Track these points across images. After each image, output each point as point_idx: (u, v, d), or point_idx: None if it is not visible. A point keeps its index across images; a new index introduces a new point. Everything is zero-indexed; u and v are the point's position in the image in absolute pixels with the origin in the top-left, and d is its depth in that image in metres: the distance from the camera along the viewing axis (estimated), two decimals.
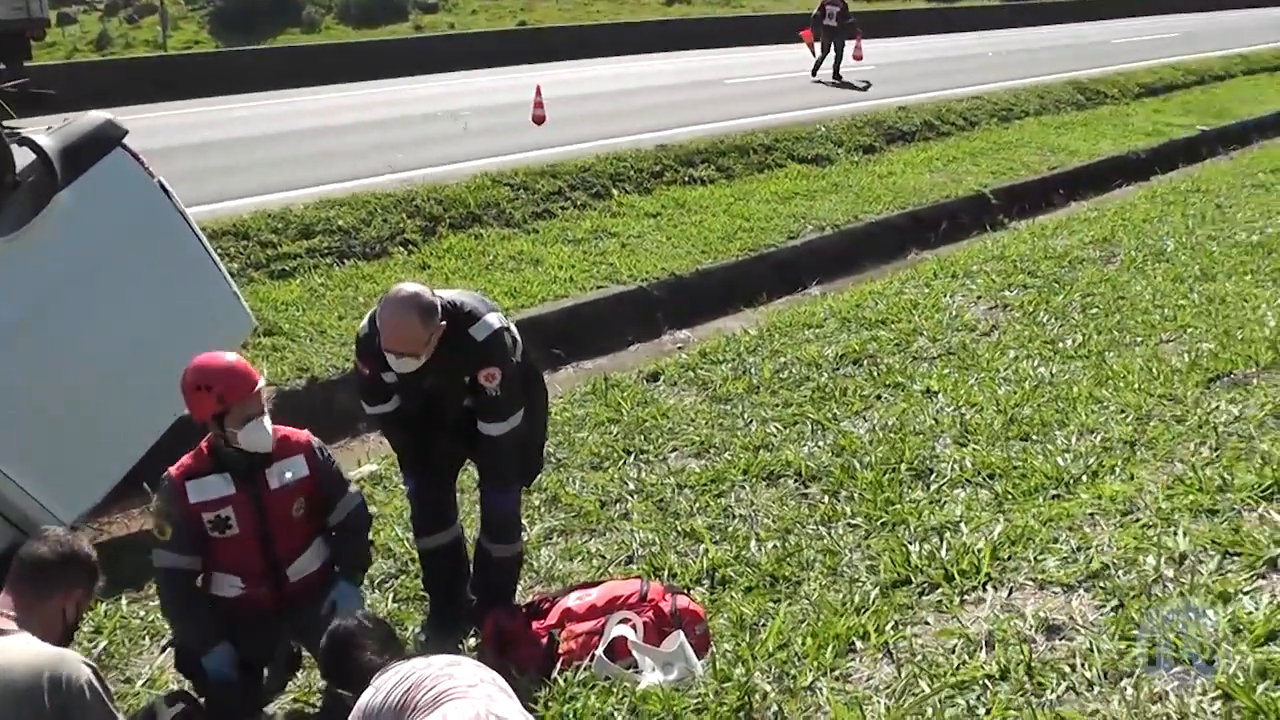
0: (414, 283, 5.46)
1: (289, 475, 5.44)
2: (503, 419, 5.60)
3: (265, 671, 5.59)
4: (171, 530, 5.28)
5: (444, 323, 5.34)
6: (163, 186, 7.74)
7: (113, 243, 7.50)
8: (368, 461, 8.53)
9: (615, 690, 5.02)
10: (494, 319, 5.52)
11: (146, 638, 6.39)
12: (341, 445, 9.29)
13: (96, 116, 7.63)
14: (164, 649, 6.16)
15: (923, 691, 4.63)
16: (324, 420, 9.17)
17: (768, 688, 4.90)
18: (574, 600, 5.59)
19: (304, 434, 5.62)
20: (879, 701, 4.65)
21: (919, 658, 4.90)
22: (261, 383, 5.39)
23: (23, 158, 7.64)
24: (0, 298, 7.09)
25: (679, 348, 11.35)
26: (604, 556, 6.60)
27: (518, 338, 5.69)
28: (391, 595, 6.45)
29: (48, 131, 7.59)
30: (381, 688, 4.07)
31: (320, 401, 9.60)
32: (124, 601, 6.72)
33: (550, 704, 4.97)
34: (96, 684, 3.69)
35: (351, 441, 9.37)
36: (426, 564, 6.18)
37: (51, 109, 8.05)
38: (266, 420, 5.34)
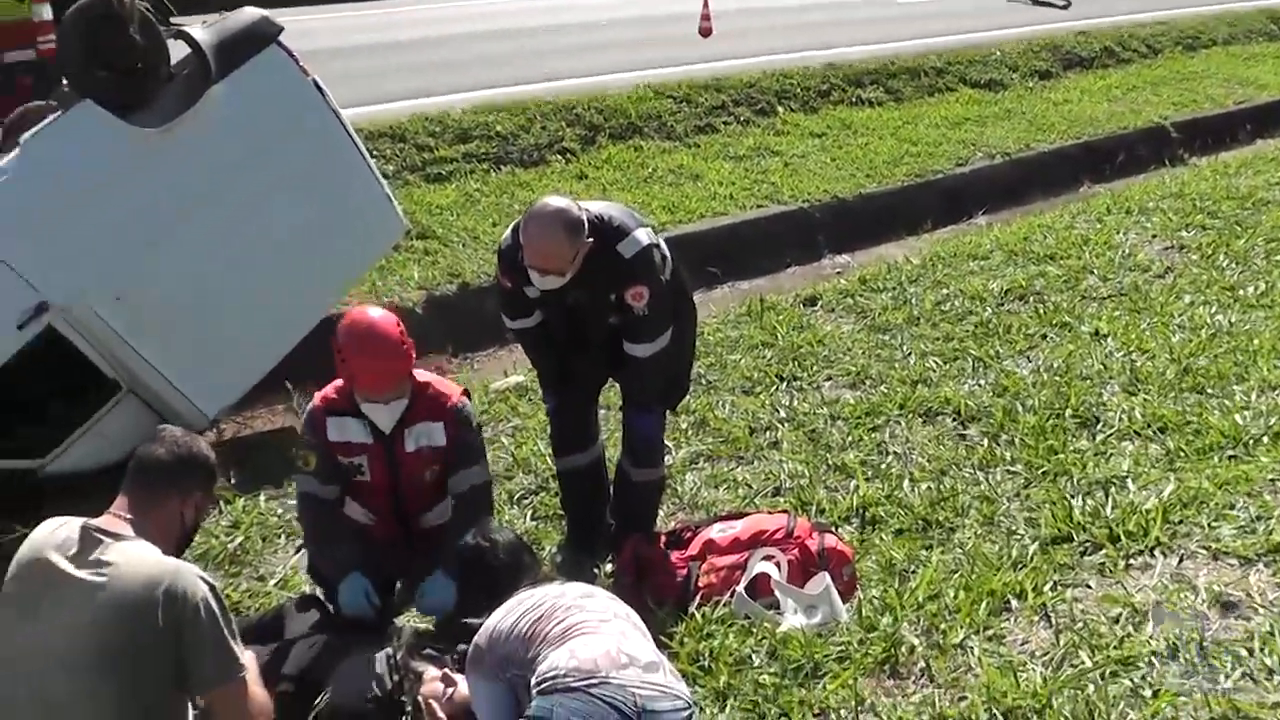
0: (560, 196, 5.23)
1: (424, 442, 5.15)
2: (650, 340, 5.35)
3: (397, 586, 5.47)
4: (316, 460, 5.14)
5: (590, 239, 5.09)
6: (317, 85, 7.62)
7: (265, 139, 7.41)
8: (514, 372, 8.39)
9: (755, 630, 4.82)
10: (643, 235, 5.24)
11: (282, 536, 6.35)
12: (489, 354, 9.25)
13: (252, 13, 7.51)
14: (298, 549, 6.11)
15: (1083, 663, 4.35)
16: (472, 327, 9.16)
17: (915, 641, 4.66)
18: (717, 532, 5.40)
19: (454, 397, 5.23)
20: (1034, 669, 4.38)
21: (1079, 625, 4.62)
22: (404, 370, 5.05)
23: (178, 52, 7.54)
24: (151, 190, 7.05)
25: (838, 273, 11.03)
26: (750, 486, 6.39)
27: (668, 254, 5.41)
28: (530, 512, 6.32)
29: (203, 26, 7.50)
30: (512, 612, 3.93)
31: (470, 308, 9.52)
32: (262, 498, 6.71)
33: (685, 640, 4.80)
34: (213, 601, 3.56)
35: (499, 350, 9.28)
36: (565, 484, 6.01)
37: (211, 8, 8.02)
38: (394, 408, 5.06)
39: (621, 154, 13.05)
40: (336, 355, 5.01)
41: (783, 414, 7.22)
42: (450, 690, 4.20)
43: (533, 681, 3.64)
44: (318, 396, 5.20)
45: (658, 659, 3.73)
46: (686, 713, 3.63)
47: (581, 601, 3.88)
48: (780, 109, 14.86)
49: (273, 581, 5.89)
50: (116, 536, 3.58)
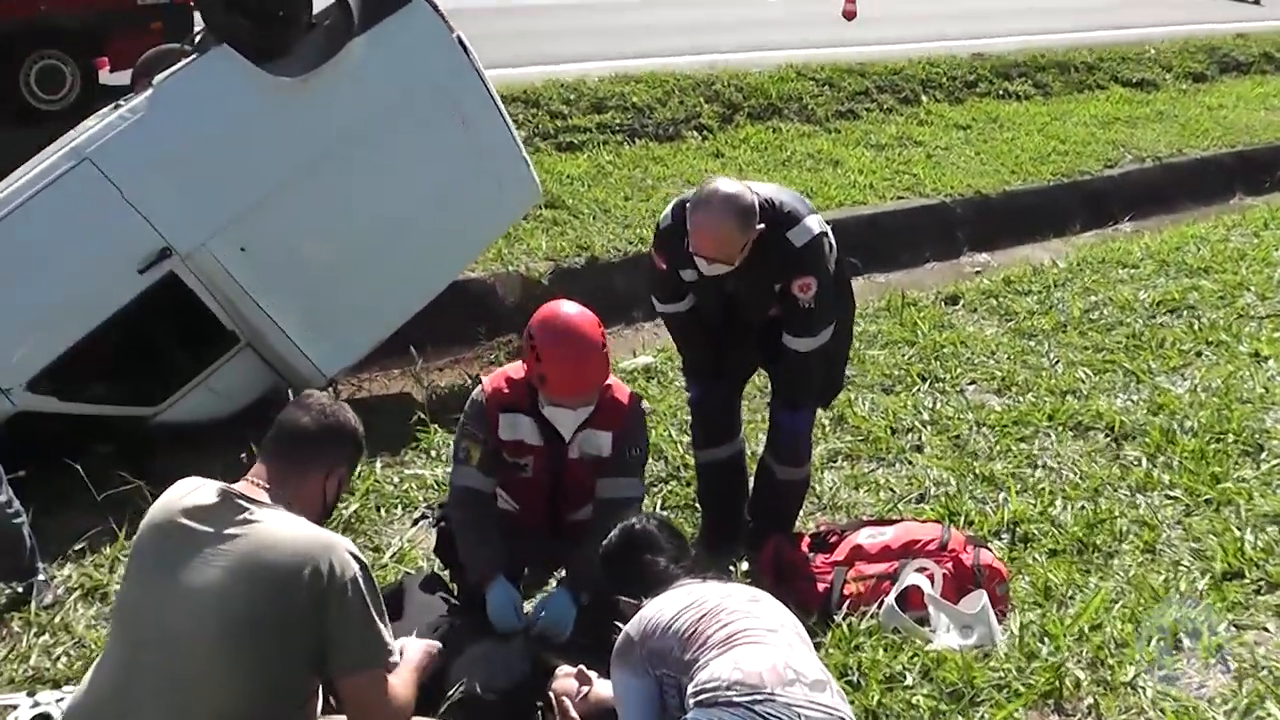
0: (731, 180, 4.94)
1: (589, 450, 4.83)
2: (812, 334, 5.10)
3: (525, 571, 5.28)
4: (480, 454, 4.84)
5: (761, 225, 4.85)
6: (461, 43, 7.52)
7: (405, 94, 7.32)
8: (643, 353, 8.26)
9: (906, 646, 4.61)
10: (814, 223, 4.98)
11: (399, 507, 6.23)
12: (615, 332, 9.07)
13: None
14: (415, 522, 5.97)
15: (1271, 716, 4.08)
16: (600, 304, 8.76)
17: (1080, 674, 4.42)
18: (865, 537, 5.17)
19: (626, 406, 4.89)
20: (1215, 718, 4.12)
21: (1263, 671, 4.35)
22: (603, 377, 4.77)
23: (321, 1, 7.50)
24: (284, 141, 7.00)
25: (977, 272, 10.79)
26: (893, 490, 6.18)
27: (834, 244, 5.14)
28: (660, 502, 6.13)
29: None
30: (669, 606, 3.73)
31: (598, 282, 9.38)
32: (378, 465, 6.58)
33: (832, 650, 4.59)
34: (363, 581, 3.35)
35: (625, 330, 9.20)
36: (703, 477, 5.80)
37: None
38: (580, 414, 4.72)
39: (760, 135, 12.92)
40: (529, 352, 4.70)
41: (925, 416, 7.00)
42: (585, 689, 4.03)
43: (690, 689, 3.45)
44: (487, 386, 4.89)
45: (824, 677, 3.51)
46: None
47: (748, 606, 3.67)
48: (925, 98, 14.68)
49: (389, 554, 5.75)
50: (258, 504, 3.40)
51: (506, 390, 4.84)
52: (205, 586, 3.26)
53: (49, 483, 5.99)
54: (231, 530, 3.33)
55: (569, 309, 4.78)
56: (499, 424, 4.82)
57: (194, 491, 3.47)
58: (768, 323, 5.20)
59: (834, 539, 5.25)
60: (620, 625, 4.14)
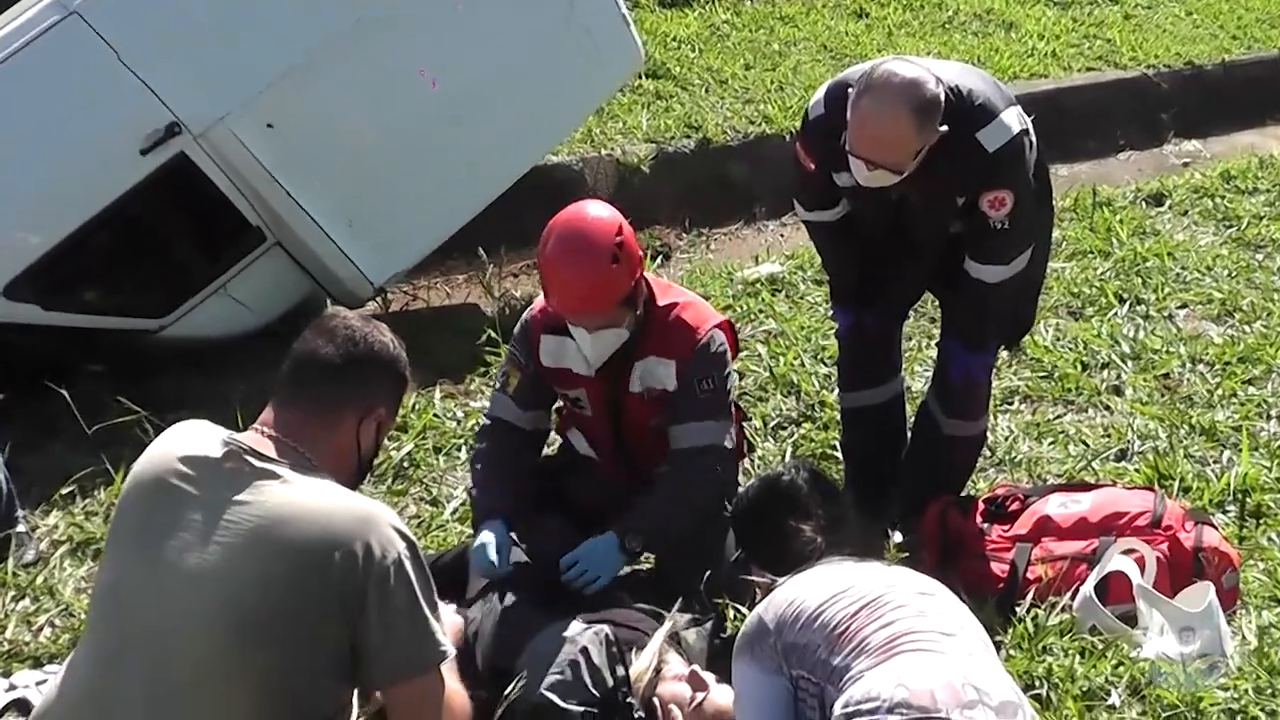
0: (910, 61, 4.56)
1: (651, 385, 4.72)
2: (1005, 260, 4.81)
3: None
4: (519, 381, 4.83)
5: (943, 127, 4.48)
6: None
7: None
8: (766, 258, 8.06)
9: (1110, 651, 4.36)
10: (1012, 118, 4.61)
11: (462, 448, 6.07)
12: (732, 231, 9.09)
13: None
14: None
15: None
16: (713, 195, 9.05)
17: None
18: (1056, 506, 4.93)
19: (702, 330, 4.70)
20: None
21: None
22: (601, 296, 4.53)
23: None
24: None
25: (1184, 164, 10.50)
26: (1085, 443, 5.95)
27: (1035, 142, 4.78)
28: (790, 449, 5.92)
29: None
30: (814, 590, 3.56)
31: (711, 170, 9.32)
32: (437, 396, 6.47)
33: (1012, 653, 4.37)
34: (409, 563, 3.14)
35: (744, 229, 9.10)
36: (850, 424, 5.60)
37: None
38: (602, 339, 4.59)
39: None
40: (539, 261, 4.65)
41: (1125, 348, 6.77)
42: (700, 695, 3.85)
43: (838, 707, 3.24)
44: (536, 307, 4.85)
45: (1015, 698, 3.25)
46: None
47: (919, 601, 3.44)
48: None
49: (449, 509, 5.62)
50: (271, 461, 3.19)
51: None
52: (202, 569, 3.07)
53: (30, 412, 5.96)
54: (238, 496, 3.12)
55: (588, 209, 4.67)
56: (540, 348, 4.78)
57: (192, 441, 3.27)
58: (946, 241, 4.91)
59: (1015, 506, 5.03)
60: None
